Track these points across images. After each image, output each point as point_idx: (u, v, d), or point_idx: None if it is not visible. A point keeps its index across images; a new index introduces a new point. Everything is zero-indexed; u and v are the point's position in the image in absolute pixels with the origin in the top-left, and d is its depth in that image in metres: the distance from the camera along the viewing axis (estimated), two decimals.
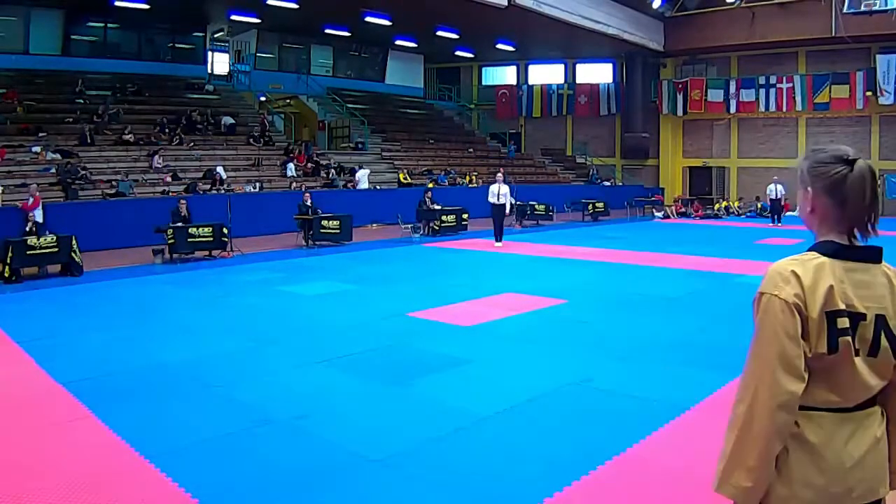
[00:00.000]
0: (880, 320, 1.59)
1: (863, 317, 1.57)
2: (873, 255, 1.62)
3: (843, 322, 1.55)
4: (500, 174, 16.05)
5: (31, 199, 12.83)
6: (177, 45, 24.37)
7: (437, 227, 17.35)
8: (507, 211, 15.07)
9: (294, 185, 19.72)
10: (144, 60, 23.04)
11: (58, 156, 16.84)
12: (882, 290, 1.61)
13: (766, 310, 1.57)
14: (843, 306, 1.55)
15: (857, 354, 1.57)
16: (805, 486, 1.58)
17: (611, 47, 27.10)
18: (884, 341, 1.59)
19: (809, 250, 1.64)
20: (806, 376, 1.55)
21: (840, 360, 1.56)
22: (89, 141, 17.94)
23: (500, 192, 14.99)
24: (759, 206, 25.68)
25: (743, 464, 1.57)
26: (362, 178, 21.16)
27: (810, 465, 1.58)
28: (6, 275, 10.39)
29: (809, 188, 1.64)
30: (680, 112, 28.57)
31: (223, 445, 4.12)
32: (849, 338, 1.56)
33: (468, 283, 10.02)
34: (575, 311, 8.01)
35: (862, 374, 1.58)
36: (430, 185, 21.43)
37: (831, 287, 1.55)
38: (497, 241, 14.96)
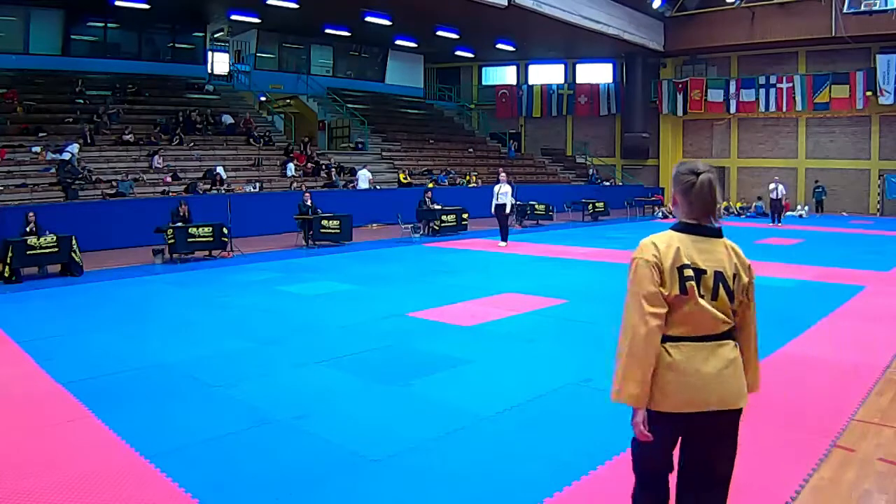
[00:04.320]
0: (718, 275, 2.33)
1: (704, 271, 2.32)
2: (713, 233, 2.39)
3: (689, 272, 2.30)
4: (502, 174, 16.04)
5: None
6: (177, 45, 24.35)
7: (437, 227, 17.34)
8: (507, 210, 15.06)
9: (294, 185, 19.72)
10: (144, 60, 23.03)
11: (58, 156, 16.84)
12: (721, 255, 2.36)
13: (635, 268, 2.34)
14: (687, 262, 2.31)
15: (702, 297, 2.31)
16: (675, 394, 2.29)
17: (611, 47, 27.10)
18: (721, 290, 2.33)
19: (669, 229, 2.42)
20: (665, 308, 2.28)
21: (689, 300, 2.29)
22: (89, 141, 17.94)
23: (500, 192, 14.99)
24: (753, 205, 25.62)
25: (632, 377, 2.28)
26: (362, 177, 21.14)
27: (677, 379, 2.29)
28: (6, 275, 10.38)
29: (674, 189, 2.42)
30: (680, 112, 28.57)
31: (223, 445, 4.12)
32: (693, 283, 2.30)
33: (468, 283, 10.02)
34: (575, 311, 8.01)
35: (708, 312, 2.31)
36: (430, 185, 21.43)
37: (678, 250, 2.33)
38: (501, 241, 14.95)
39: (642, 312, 2.26)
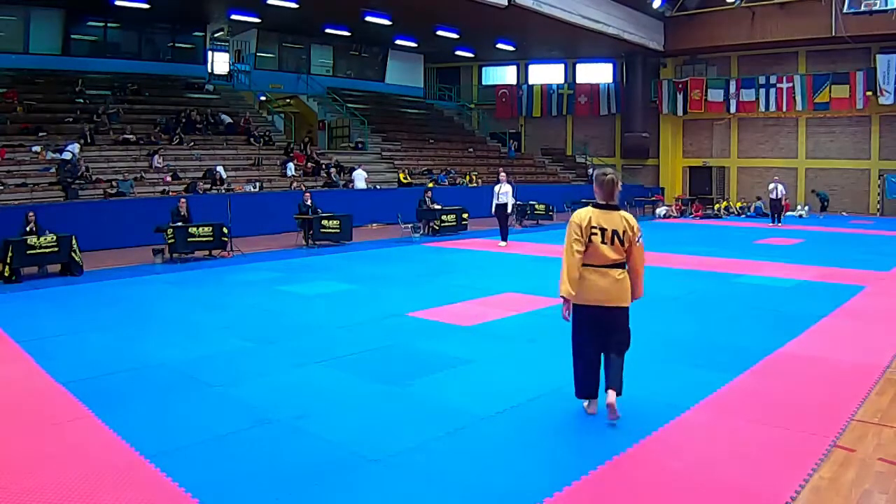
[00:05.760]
0: (615, 232, 4.28)
1: (605, 229, 4.27)
2: (613, 208, 4.35)
3: (595, 231, 4.27)
4: (502, 174, 16.03)
5: None
6: (177, 45, 24.32)
7: (437, 227, 17.34)
8: (508, 210, 15.06)
9: (294, 184, 19.71)
10: (144, 60, 22.99)
11: (58, 155, 16.84)
12: (616, 220, 4.30)
13: (569, 227, 4.34)
14: (595, 225, 4.28)
15: (604, 244, 4.27)
16: (587, 294, 4.36)
17: (611, 47, 27.07)
18: (616, 240, 4.28)
19: (589, 205, 4.41)
20: (583, 248, 4.27)
21: (595, 246, 4.28)
22: (89, 141, 17.93)
23: (500, 192, 14.98)
24: (753, 205, 25.53)
25: (566, 283, 4.31)
26: (358, 177, 21.12)
27: (589, 286, 4.34)
28: (6, 275, 10.37)
29: (594, 182, 4.43)
30: (680, 112, 28.55)
31: (223, 445, 4.13)
32: (598, 237, 4.26)
33: (468, 283, 10.02)
34: None
35: (606, 252, 4.29)
36: (430, 185, 21.41)
37: (591, 218, 4.30)
38: (501, 241, 14.94)
39: (571, 250, 4.27)
